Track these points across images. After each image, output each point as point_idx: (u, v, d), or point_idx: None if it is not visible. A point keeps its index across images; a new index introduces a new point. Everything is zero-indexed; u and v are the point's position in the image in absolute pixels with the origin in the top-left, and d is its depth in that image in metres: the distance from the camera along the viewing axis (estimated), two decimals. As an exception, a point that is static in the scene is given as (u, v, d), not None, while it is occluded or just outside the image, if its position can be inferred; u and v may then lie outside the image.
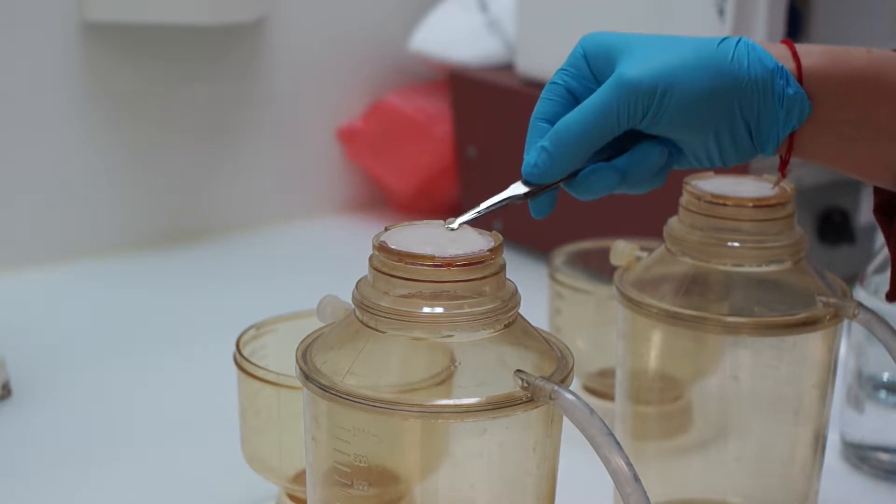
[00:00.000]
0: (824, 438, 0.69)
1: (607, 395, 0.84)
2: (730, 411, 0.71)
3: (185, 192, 1.28)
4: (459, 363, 0.49)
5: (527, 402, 0.48)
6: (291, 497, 0.69)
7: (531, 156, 0.53)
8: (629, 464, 0.44)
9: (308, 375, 0.50)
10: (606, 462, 0.44)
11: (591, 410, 0.46)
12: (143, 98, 1.22)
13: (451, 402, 0.48)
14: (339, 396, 0.48)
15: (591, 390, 0.86)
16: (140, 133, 1.23)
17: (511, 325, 0.51)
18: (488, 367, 0.49)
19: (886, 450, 0.79)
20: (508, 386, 0.48)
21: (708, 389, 0.71)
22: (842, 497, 0.75)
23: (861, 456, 0.80)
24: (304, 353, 0.52)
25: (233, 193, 1.31)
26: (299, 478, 0.67)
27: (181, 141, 1.26)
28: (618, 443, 0.45)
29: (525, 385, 0.48)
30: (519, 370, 0.48)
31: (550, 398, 0.47)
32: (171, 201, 1.27)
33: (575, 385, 0.86)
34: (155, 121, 1.24)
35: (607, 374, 0.85)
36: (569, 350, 0.52)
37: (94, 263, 1.19)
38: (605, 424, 0.45)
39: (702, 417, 0.72)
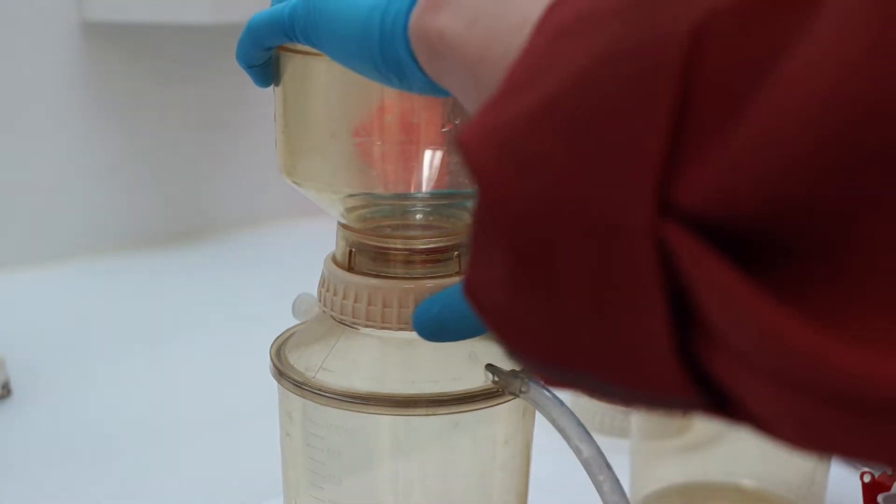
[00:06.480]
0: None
1: (607, 395, 0.85)
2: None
3: (185, 191, 1.28)
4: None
5: (497, 395, 0.48)
6: None
7: None
8: (600, 452, 0.45)
9: (281, 372, 0.50)
10: (578, 452, 0.45)
11: (561, 402, 0.46)
12: (143, 98, 1.22)
13: (421, 395, 0.48)
14: (311, 391, 0.49)
15: (590, 390, 0.86)
16: (140, 133, 1.23)
17: None
18: (459, 361, 0.49)
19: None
20: (480, 380, 0.48)
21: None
22: (842, 496, 0.75)
23: (861, 455, 0.80)
24: (278, 351, 0.52)
25: (233, 192, 1.31)
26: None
27: (181, 140, 1.26)
28: (588, 433, 0.45)
29: (496, 379, 0.48)
30: (490, 364, 0.48)
31: (521, 391, 0.47)
32: (170, 200, 1.27)
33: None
34: (155, 120, 1.24)
35: (607, 373, 0.85)
36: None
37: (94, 263, 1.19)
38: (574, 416, 0.45)
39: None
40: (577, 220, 0.24)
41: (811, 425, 0.22)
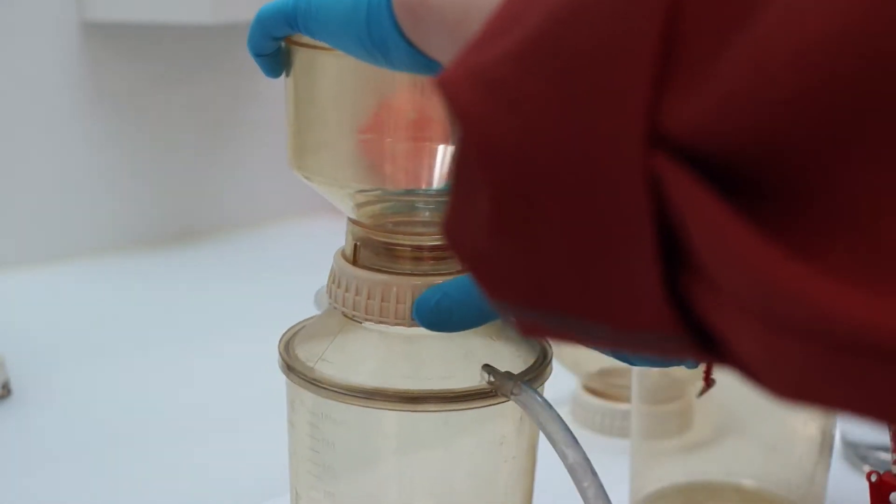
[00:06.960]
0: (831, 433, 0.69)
1: (607, 395, 0.84)
2: (736, 405, 0.71)
3: (185, 191, 1.28)
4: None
5: (490, 396, 0.48)
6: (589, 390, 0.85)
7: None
8: (585, 458, 0.44)
9: (287, 362, 0.51)
10: (563, 457, 0.45)
11: (550, 406, 0.46)
12: (143, 98, 1.22)
13: (420, 392, 0.48)
14: (309, 382, 0.49)
15: (591, 390, 0.86)
16: (140, 133, 1.23)
17: None
18: (456, 359, 0.49)
19: (886, 449, 0.80)
20: (475, 380, 0.48)
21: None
22: (842, 496, 0.75)
23: (861, 455, 0.81)
24: (287, 342, 0.52)
25: (233, 192, 1.31)
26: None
27: (181, 140, 1.26)
28: (575, 438, 0.45)
29: (491, 380, 0.48)
30: (486, 364, 0.48)
31: (512, 393, 0.47)
32: (171, 201, 1.27)
33: (575, 385, 0.86)
34: (155, 120, 1.24)
35: (607, 373, 0.85)
36: (548, 343, 0.52)
37: (94, 263, 1.19)
38: (562, 421, 0.45)
39: (710, 413, 0.72)
40: (565, 152, 0.23)
41: (803, 371, 0.21)
